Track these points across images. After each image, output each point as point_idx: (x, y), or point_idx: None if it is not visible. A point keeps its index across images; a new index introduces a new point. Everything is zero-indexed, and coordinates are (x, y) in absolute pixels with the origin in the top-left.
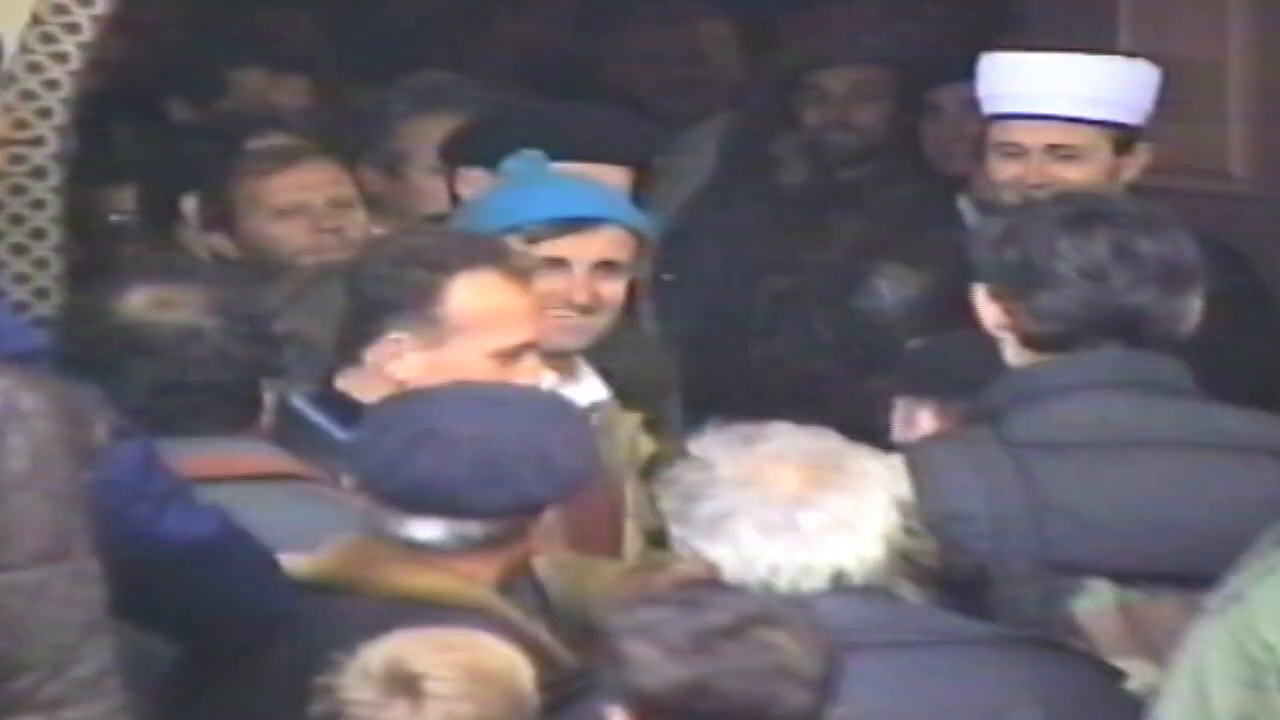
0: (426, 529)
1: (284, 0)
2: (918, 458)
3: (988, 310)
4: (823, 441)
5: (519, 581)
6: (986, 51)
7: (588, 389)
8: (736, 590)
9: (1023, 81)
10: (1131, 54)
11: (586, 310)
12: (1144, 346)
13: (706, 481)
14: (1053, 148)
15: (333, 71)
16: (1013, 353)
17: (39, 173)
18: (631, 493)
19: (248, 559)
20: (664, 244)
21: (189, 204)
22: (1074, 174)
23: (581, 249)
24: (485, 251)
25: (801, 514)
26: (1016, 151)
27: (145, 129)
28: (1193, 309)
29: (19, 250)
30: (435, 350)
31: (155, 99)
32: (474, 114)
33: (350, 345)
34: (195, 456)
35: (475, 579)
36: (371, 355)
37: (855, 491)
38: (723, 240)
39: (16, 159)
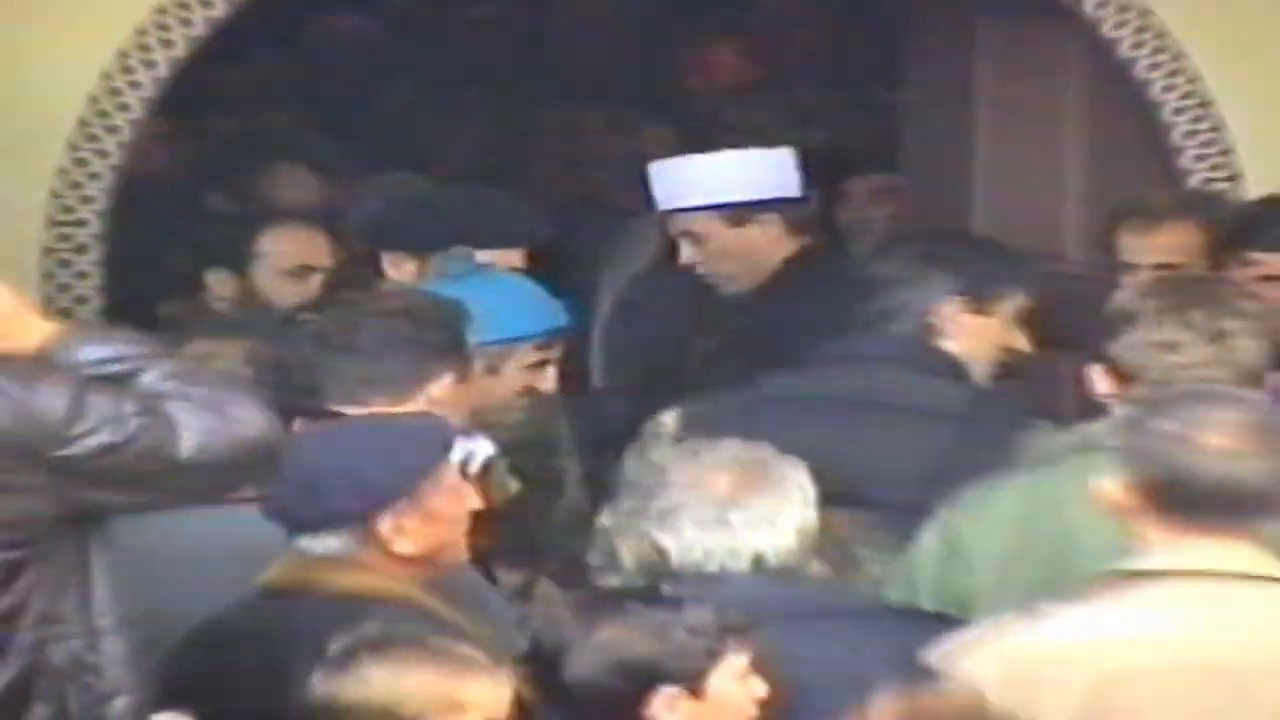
0: (305, 541)
1: (280, 103)
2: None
3: None
4: (755, 452)
5: (456, 572)
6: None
7: (483, 445)
8: None
9: (664, 182)
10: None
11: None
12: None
13: (660, 484)
14: (684, 233)
15: (334, 166)
16: None
17: (82, 249)
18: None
19: None
20: (615, 311)
21: (213, 277)
22: (689, 253)
23: (557, 351)
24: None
25: (732, 512)
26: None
27: (181, 215)
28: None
29: (65, 315)
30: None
31: (195, 190)
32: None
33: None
34: None
35: (398, 577)
36: (434, 390)
37: (775, 494)
38: (661, 310)
39: (63, 237)
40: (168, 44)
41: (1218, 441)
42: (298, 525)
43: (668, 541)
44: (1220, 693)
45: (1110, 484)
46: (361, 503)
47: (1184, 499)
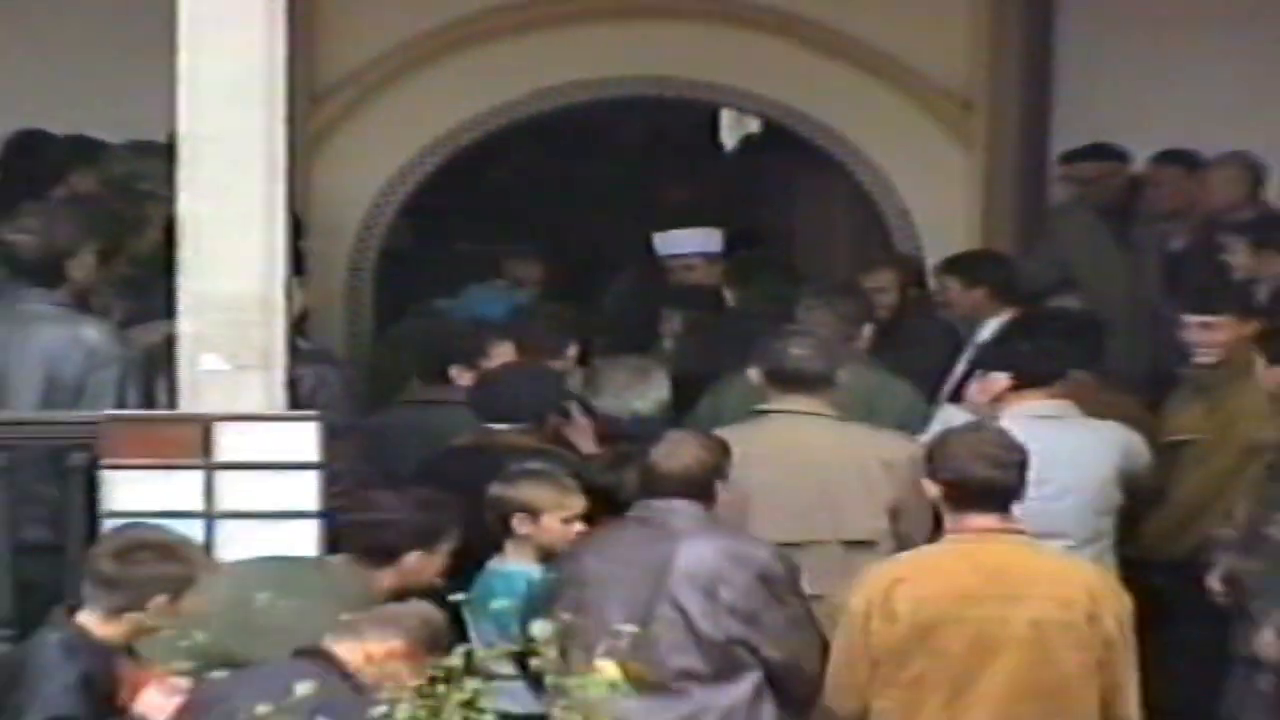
0: (490, 425)
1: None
2: None
3: None
4: (643, 362)
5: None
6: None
7: None
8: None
9: (664, 242)
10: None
11: None
12: None
13: (598, 382)
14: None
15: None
16: None
17: (363, 282)
18: None
19: None
20: (612, 313)
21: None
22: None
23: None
24: None
25: (625, 390)
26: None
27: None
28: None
29: (355, 314)
30: None
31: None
32: None
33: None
34: None
35: (541, 440)
36: (570, 353)
37: (649, 384)
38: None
39: (353, 275)
40: (403, 181)
41: (796, 351)
42: (486, 417)
43: (598, 404)
44: (788, 469)
45: (753, 373)
46: (523, 410)
47: (781, 379)
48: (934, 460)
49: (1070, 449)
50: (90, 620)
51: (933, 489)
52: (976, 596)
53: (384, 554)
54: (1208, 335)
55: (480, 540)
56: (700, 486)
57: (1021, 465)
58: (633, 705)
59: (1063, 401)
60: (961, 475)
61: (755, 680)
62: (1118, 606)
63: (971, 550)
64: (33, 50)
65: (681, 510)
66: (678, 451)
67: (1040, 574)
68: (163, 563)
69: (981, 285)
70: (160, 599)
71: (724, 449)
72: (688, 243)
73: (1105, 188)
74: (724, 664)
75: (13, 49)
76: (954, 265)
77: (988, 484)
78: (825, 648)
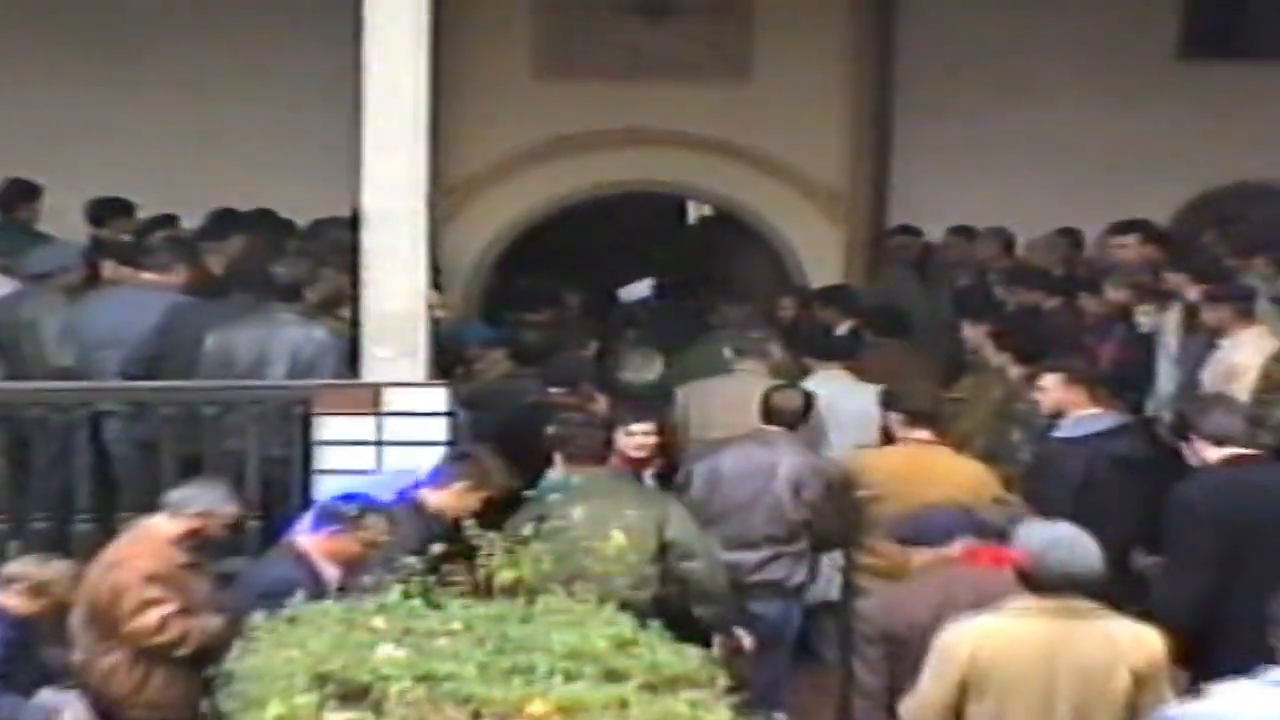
0: (550, 389)
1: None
2: None
3: None
4: (653, 355)
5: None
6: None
7: None
8: None
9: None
10: None
11: None
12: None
13: (622, 366)
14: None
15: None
16: None
17: (471, 299)
18: None
19: None
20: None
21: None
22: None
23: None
24: None
25: (643, 367)
26: None
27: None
28: None
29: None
30: None
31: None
32: None
33: None
34: None
35: (577, 400)
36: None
37: (653, 365)
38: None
39: (468, 294)
40: (497, 243)
41: (753, 334)
42: (545, 385)
43: (624, 376)
44: (737, 401)
45: (726, 350)
46: (556, 382)
47: (741, 352)
48: (896, 397)
49: (846, 397)
50: (425, 493)
51: (894, 416)
52: (908, 479)
53: (599, 456)
54: (962, 333)
55: (541, 462)
56: (798, 419)
57: (944, 403)
58: (729, 555)
59: (841, 371)
60: (915, 407)
61: (806, 542)
62: (994, 490)
63: (912, 452)
64: (264, 156)
65: (783, 435)
66: (789, 397)
67: (949, 469)
68: (466, 464)
69: (831, 306)
70: (461, 484)
71: (810, 399)
72: (636, 291)
73: (908, 250)
74: (793, 533)
75: (257, 160)
76: (816, 293)
77: (929, 412)
78: (844, 518)
